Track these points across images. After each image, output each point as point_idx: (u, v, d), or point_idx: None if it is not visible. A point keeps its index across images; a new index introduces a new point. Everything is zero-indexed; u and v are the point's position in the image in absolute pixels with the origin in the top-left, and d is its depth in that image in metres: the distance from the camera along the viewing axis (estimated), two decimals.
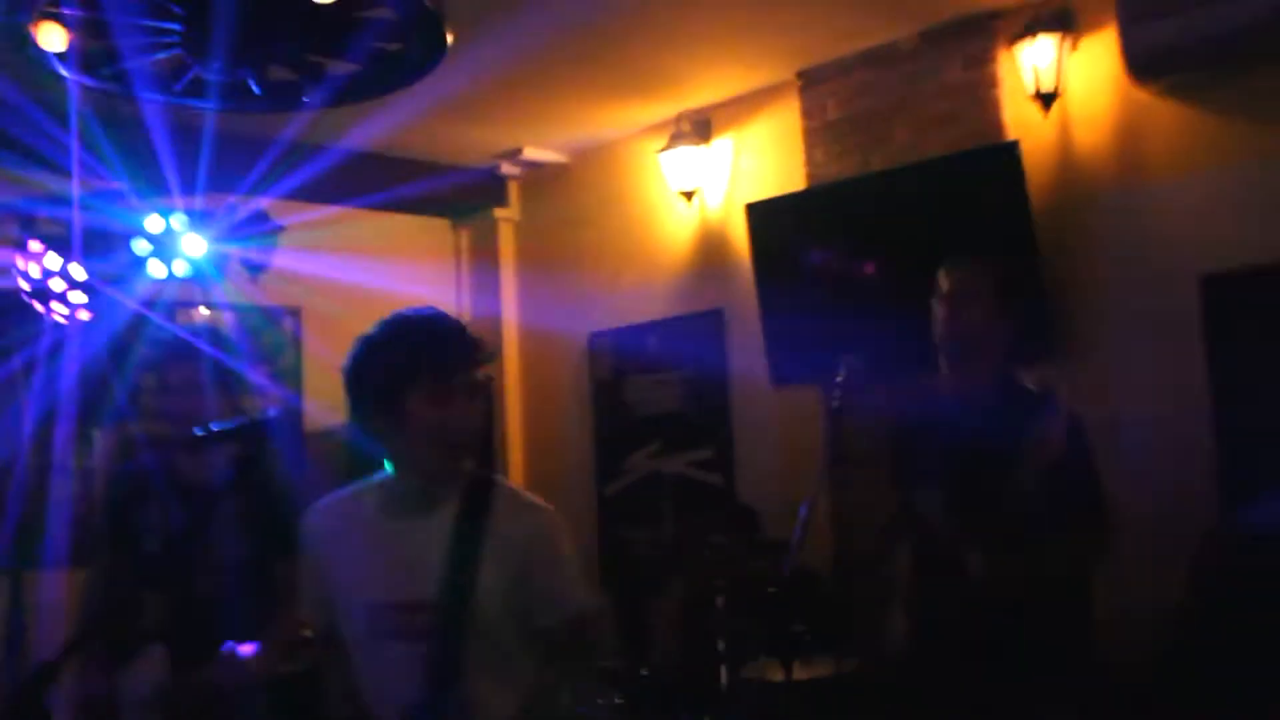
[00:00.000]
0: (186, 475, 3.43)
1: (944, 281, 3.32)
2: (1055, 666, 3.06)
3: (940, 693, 3.17)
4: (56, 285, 5.21)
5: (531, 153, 6.72)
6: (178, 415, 3.38)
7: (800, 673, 3.66)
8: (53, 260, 5.21)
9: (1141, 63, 4.45)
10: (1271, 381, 4.21)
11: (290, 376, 6.60)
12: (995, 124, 4.98)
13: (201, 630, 3.28)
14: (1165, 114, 4.56)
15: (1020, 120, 4.91)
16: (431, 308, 2.64)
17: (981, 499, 3.10)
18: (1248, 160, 4.36)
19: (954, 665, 3.10)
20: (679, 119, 6.06)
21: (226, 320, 6.38)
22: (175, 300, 6.08)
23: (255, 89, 3.42)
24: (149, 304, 5.64)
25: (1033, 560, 2.99)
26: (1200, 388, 4.38)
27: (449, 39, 3.09)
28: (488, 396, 2.38)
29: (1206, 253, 4.41)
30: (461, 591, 2.45)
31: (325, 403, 6.40)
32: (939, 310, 3.30)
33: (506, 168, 6.96)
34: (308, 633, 2.83)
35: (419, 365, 2.48)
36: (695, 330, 6.16)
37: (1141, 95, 4.61)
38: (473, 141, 6.51)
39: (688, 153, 6.02)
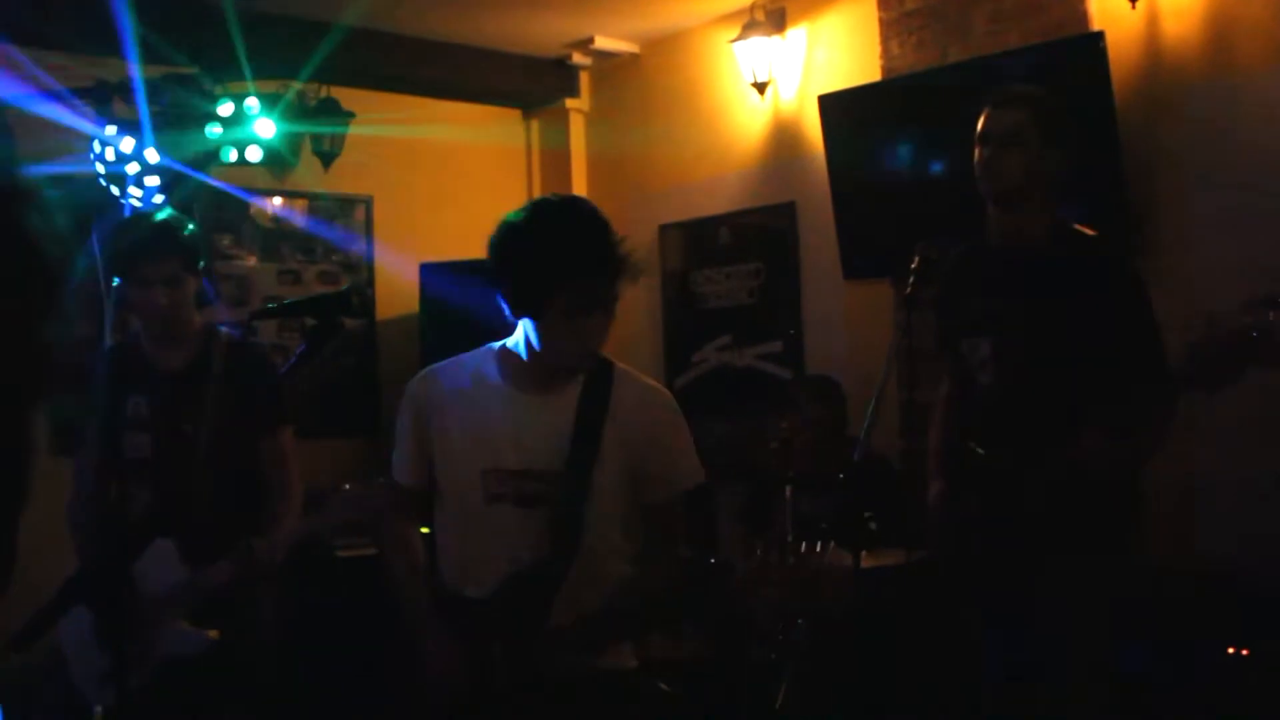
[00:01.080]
0: (167, 363, 3.41)
1: (982, 121, 3.20)
2: (1098, 543, 3.02)
3: (975, 566, 3.16)
4: (132, 169, 5.26)
5: (602, 42, 6.63)
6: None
7: (869, 561, 3.66)
8: (127, 144, 5.25)
9: None
10: None
11: (363, 265, 6.64)
12: (1079, 14, 4.82)
13: (207, 517, 3.27)
14: (1256, 3, 4.39)
15: (1106, 11, 4.75)
16: (583, 204, 2.63)
17: (1031, 351, 3.04)
18: None
19: (991, 536, 3.07)
20: (753, 8, 5.95)
21: (299, 207, 6.42)
22: (247, 187, 6.13)
23: None
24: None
25: (1106, 433, 2.89)
26: None
27: None
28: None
29: None
30: (586, 462, 2.55)
31: (396, 290, 6.48)
32: (978, 152, 3.18)
33: (577, 57, 6.88)
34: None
35: (565, 278, 2.49)
36: (767, 223, 6.11)
37: None
38: (543, 29, 6.44)
39: (761, 43, 5.91)
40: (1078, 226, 3.22)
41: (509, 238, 2.55)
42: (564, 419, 2.59)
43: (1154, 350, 3.02)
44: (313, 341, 2.68)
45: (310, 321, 2.69)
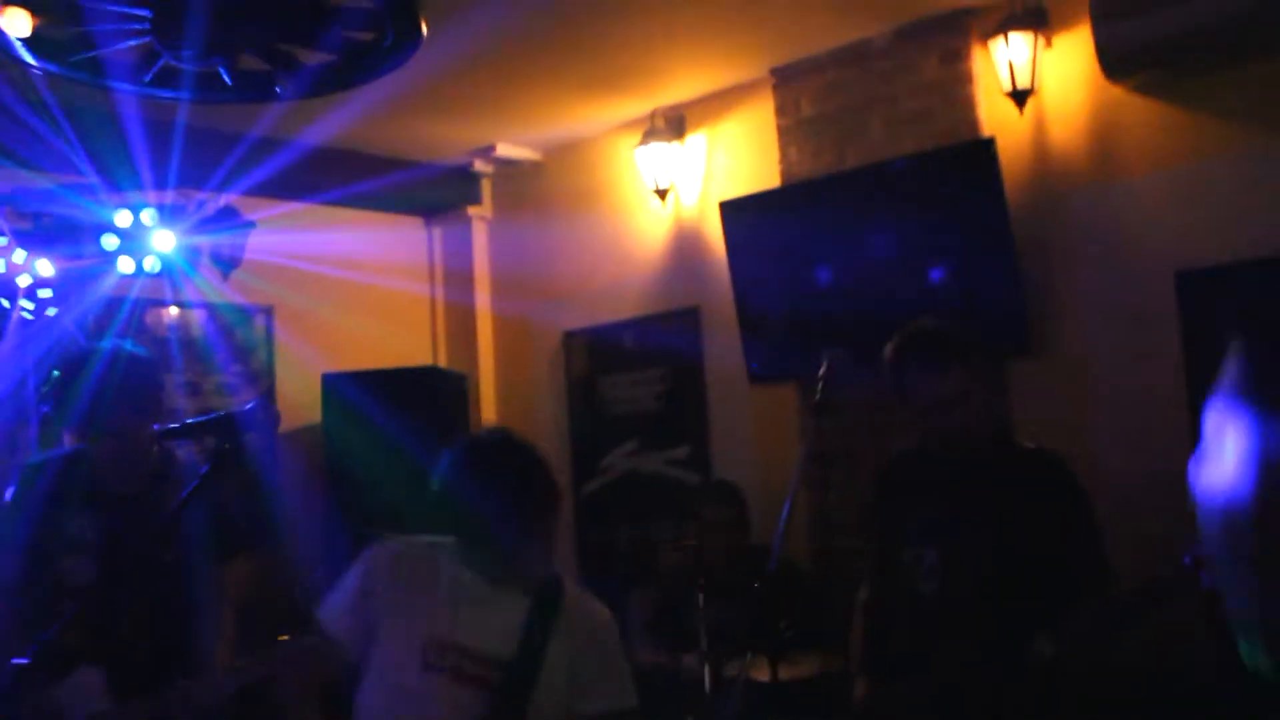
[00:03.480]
0: (112, 483, 3.31)
1: (919, 386, 3.09)
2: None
3: None
4: (23, 281, 5.14)
5: (505, 149, 6.69)
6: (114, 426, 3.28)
7: (786, 671, 3.62)
8: (19, 255, 5.14)
9: (1114, 60, 4.46)
10: None
11: (263, 375, 6.55)
12: (970, 121, 5.00)
13: (142, 649, 3.16)
14: (1139, 110, 4.59)
15: (995, 117, 4.93)
16: (514, 442, 2.81)
17: (982, 561, 3.01)
18: (1220, 156, 4.39)
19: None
20: (653, 115, 6.06)
21: (198, 318, 6.33)
22: (144, 298, 6.03)
23: (227, 79, 3.39)
24: (117, 300, 5.60)
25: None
26: (1175, 382, 4.40)
27: (424, 29, 3.06)
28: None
29: (1180, 248, 4.44)
30: (534, 654, 2.66)
31: (298, 401, 6.38)
32: (917, 411, 3.11)
33: (480, 164, 6.94)
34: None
35: (508, 515, 2.67)
36: (671, 327, 6.15)
37: (1115, 92, 4.63)
38: (445, 137, 6.49)
39: (662, 149, 6.02)
40: (1015, 438, 3.25)
41: (454, 474, 2.70)
42: (516, 609, 2.70)
43: (1099, 561, 3.03)
44: (218, 462, 2.63)
45: (211, 440, 2.63)
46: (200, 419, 3.10)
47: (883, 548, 3.28)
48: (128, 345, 3.40)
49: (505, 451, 2.77)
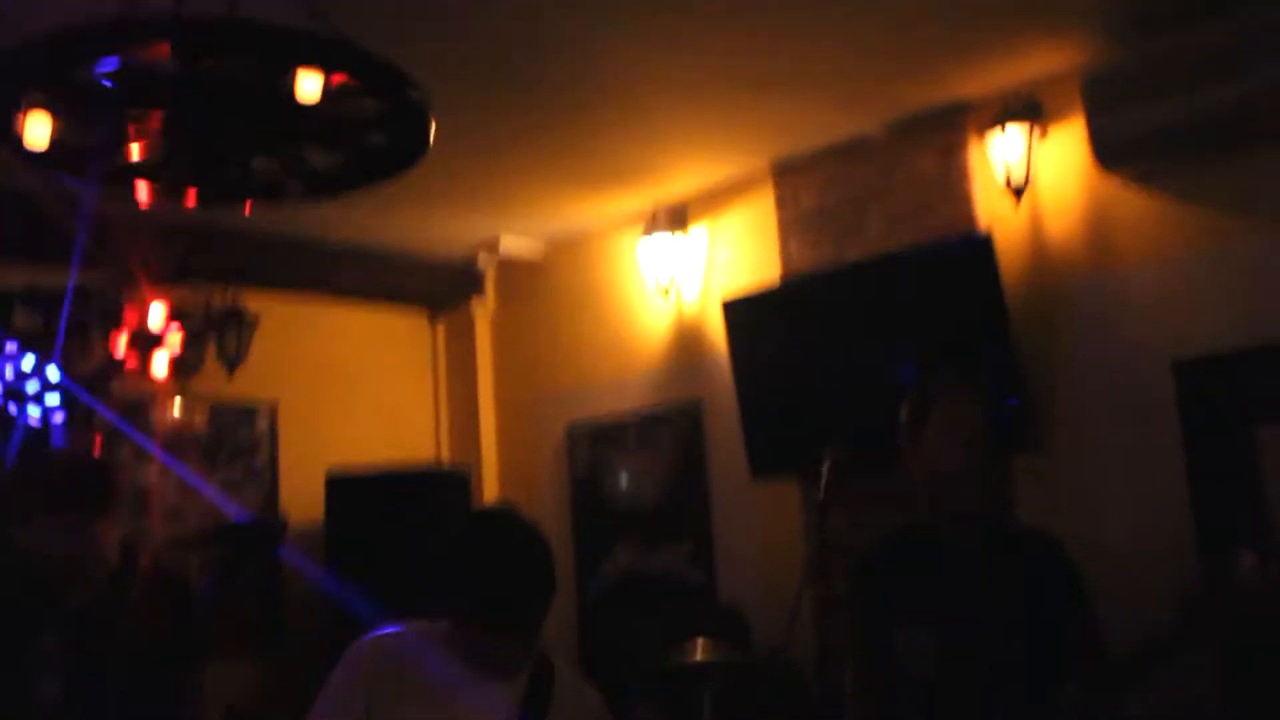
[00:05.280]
0: (79, 596, 3.25)
1: (948, 410, 3.05)
2: None
3: None
4: (31, 387, 5.21)
5: (508, 244, 6.78)
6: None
7: None
8: (28, 361, 5.21)
9: (1108, 152, 4.54)
10: (1246, 464, 4.29)
11: (265, 472, 6.59)
12: (967, 215, 5.09)
13: None
14: (1134, 202, 4.67)
15: (992, 210, 5.02)
16: (517, 517, 2.80)
17: (983, 644, 2.97)
18: (1215, 247, 4.46)
19: None
20: (655, 210, 6.17)
21: (200, 418, 6.39)
22: (149, 396, 6.10)
23: (239, 184, 3.48)
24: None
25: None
26: (1177, 473, 4.46)
27: (432, 133, 3.16)
28: None
29: (1178, 338, 4.50)
30: None
31: (301, 499, 6.41)
32: (931, 442, 3.05)
33: (483, 260, 7.05)
34: None
35: (506, 585, 2.65)
36: (674, 422, 6.19)
37: (1110, 184, 4.71)
38: (449, 233, 6.61)
39: (663, 241, 6.12)
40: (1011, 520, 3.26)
41: (456, 565, 2.69)
42: (509, 705, 2.66)
43: (1097, 644, 3.00)
44: (225, 574, 2.64)
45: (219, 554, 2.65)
46: (204, 533, 3.10)
47: (868, 630, 3.16)
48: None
49: (506, 524, 2.76)
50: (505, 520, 2.80)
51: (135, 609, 3.18)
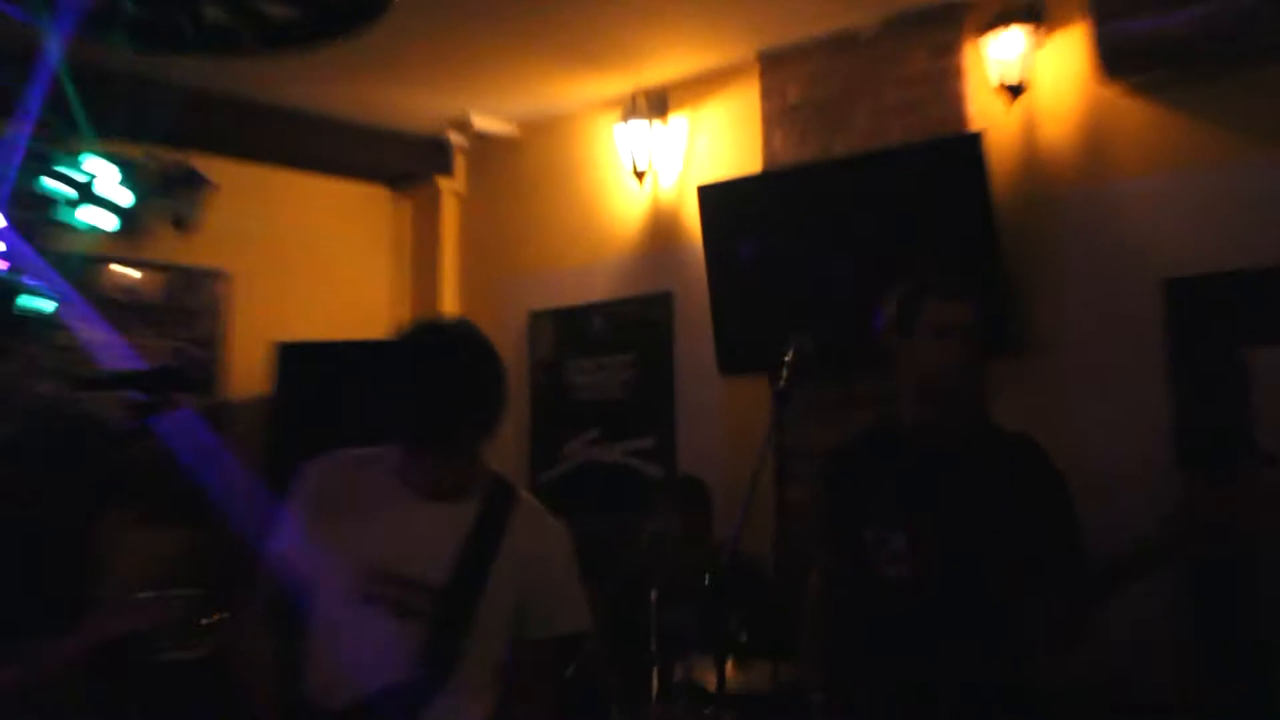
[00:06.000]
0: None
1: (938, 314, 3.02)
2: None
3: None
4: None
5: (480, 121, 6.62)
6: None
7: (736, 677, 3.54)
8: None
9: (1114, 57, 4.43)
10: (1234, 385, 4.22)
11: (215, 342, 6.45)
12: (959, 115, 4.98)
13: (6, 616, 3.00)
14: (1133, 112, 4.56)
15: (984, 112, 4.90)
16: (462, 324, 2.67)
17: (954, 544, 2.92)
18: (1214, 164, 4.37)
19: None
20: (634, 95, 6.00)
21: (150, 280, 6.23)
22: (99, 256, 5.94)
23: (189, 31, 3.32)
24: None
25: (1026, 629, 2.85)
26: (1159, 391, 4.40)
27: None
28: None
29: (1169, 256, 4.42)
30: (475, 581, 2.51)
31: (249, 370, 6.29)
32: (923, 341, 3.01)
33: (453, 136, 6.87)
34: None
35: (443, 394, 2.54)
36: (643, 313, 6.11)
37: (1109, 92, 4.60)
38: (418, 105, 6.41)
39: (642, 129, 5.96)
40: (994, 422, 3.15)
41: (388, 376, 2.54)
42: (457, 532, 2.54)
43: (1078, 547, 2.94)
44: (141, 421, 2.55)
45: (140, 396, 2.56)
46: (123, 372, 2.97)
47: (837, 528, 3.12)
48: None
49: (435, 334, 2.61)
50: (435, 331, 2.65)
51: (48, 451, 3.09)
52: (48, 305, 3.24)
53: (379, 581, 2.49)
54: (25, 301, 3.25)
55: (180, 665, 4.90)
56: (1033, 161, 4.80)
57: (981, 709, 2.87)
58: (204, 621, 3.18)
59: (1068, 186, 4.71)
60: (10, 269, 5.01)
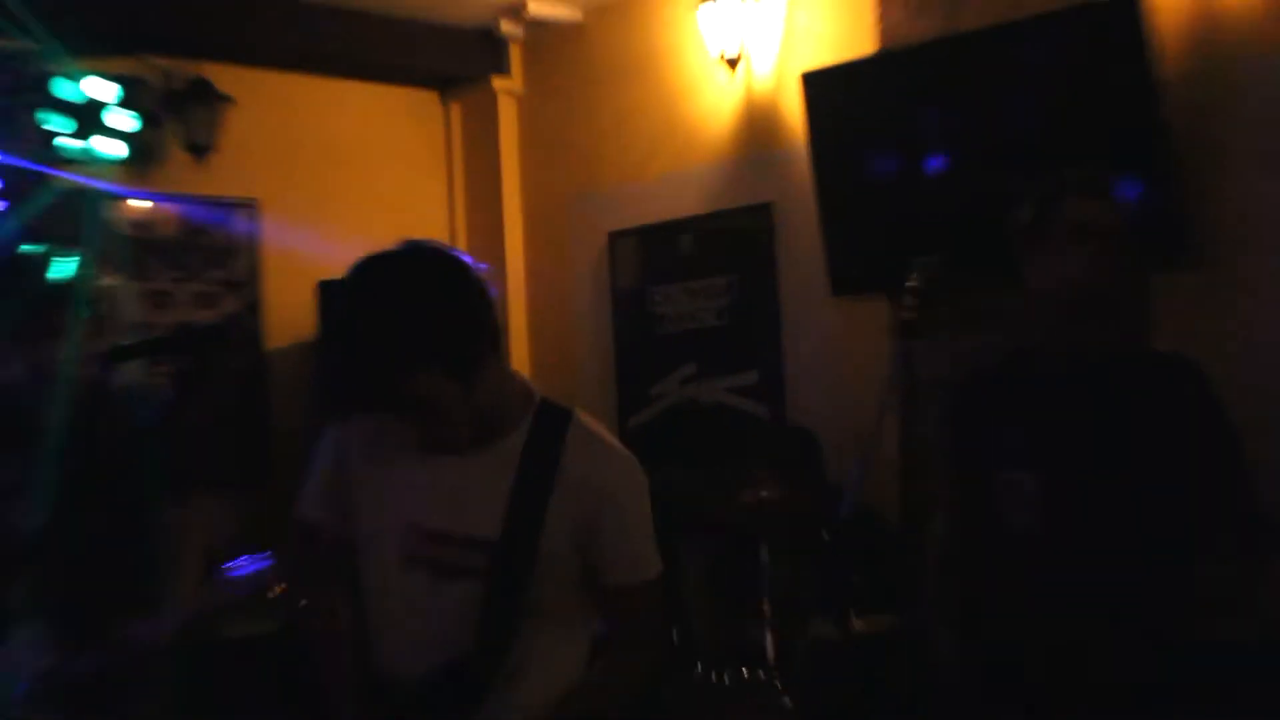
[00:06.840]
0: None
1: (1077, 213, 2.98)
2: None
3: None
4: None
5: (537, 7, 6.66)
6: None
7: (859, 626, 3.63)
8: None
9: None
10: None
11: (248, 282, 6.54)
12: None
13: (88, 599, 3.21)
14: None
15: None
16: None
17: (1090, 488, 2.92)
18: None
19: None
20: None
21: (169, 214, 6.32)
22: (104, 188, 6.03)
23: None
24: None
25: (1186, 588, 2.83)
26: None
27: None
28: None
29: None
30: (527, 529, 2.52)
31: (288, 313, 6.38)
32: (1069, 250, 2.97)
33: (507, 27, 6.90)
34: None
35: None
36: (738, 228, 6.13)
37: None
38: None
39: (732, 7, 5.93)
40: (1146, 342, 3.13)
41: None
42: (504, 476, 2.55)
43: (1243, 489, 2.91)
44: (185, 389, 2.61)
45: (181, 362, 2.62)
46: (161, 337, 3.07)
47: (964, 471, 3.15)
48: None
49: (370, 267, 2.63)
50: (360, 270, 2.63)
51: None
52: (72, 264, 3.30)
53: (417, 539, 2.55)
54: (58, 270, 3.32)
55: (250, 640, 5.19)
56: (1208, 28, 4.68)
57: (1141, 684, 2.84)
58: (270, 594, 3.34)
59: (1252, 59, 4.57)
60: (9, 210, 5.13)
